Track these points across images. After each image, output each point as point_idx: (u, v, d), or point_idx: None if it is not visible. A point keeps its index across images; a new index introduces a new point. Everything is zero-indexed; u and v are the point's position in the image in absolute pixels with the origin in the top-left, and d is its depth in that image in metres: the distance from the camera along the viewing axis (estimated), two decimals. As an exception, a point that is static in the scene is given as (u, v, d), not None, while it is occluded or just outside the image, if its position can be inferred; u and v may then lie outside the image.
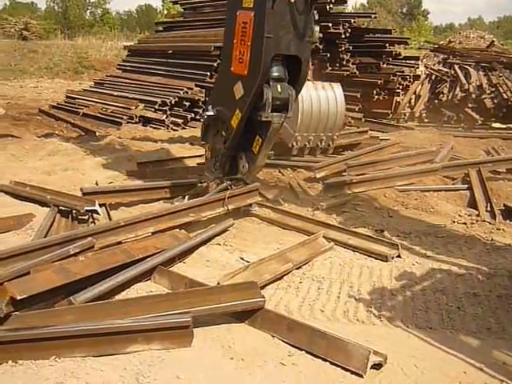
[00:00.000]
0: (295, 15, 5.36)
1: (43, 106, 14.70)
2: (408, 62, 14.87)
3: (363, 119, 12.96)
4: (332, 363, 3.31)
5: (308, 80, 9.78)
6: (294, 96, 5.60)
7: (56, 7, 49.21)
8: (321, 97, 8.95)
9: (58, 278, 3.79)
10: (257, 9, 5.29)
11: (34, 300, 3.60)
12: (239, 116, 5.60)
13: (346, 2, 14.43)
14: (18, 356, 3.18)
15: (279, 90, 5.51)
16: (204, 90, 12.43)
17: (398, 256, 5.03)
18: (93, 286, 3.84)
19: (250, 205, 6.08)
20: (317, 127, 8.96)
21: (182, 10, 16.25)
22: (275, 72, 5.51)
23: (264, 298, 3.80)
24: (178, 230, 5.11)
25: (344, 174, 7.73)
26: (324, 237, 5.26)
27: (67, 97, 15.36)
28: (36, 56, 24.39)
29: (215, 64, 12.49)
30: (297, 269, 4.66)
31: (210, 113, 6.01)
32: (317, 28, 5.72)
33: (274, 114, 5.51)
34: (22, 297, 3.43)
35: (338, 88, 9.30)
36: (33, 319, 3.45)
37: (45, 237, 5.01)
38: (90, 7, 48.82)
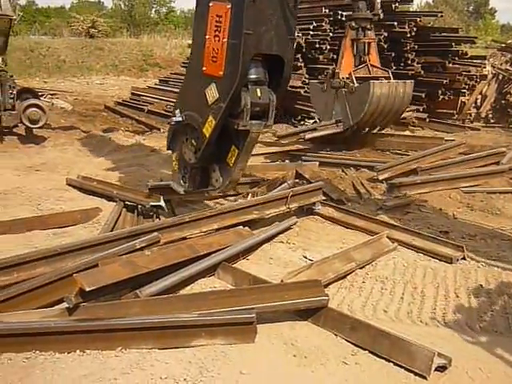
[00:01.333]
0: (278, 9, 4.69)
1: (109, 102, 15.09)
2: (474, 61, 14.51)
3: (427, 119, 12.74)
4: (395, 364, 3.29)
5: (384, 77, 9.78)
6: (274, 101, 4.87)
7: (122, 5, 50.34)
8: (390, 95, 8.92)
9: (125, 271, 3.90)
10: (234, 1, 4.56)
11: (102, 292, 3.72)
12: (213, 124, 4.81)
13: (411, 1, 14.23)
14: (85, 346, 3.31)
15: (259, 94, 4.79)
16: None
17: (463, 258, 4.95)
18: (158, 280, 3.94)
19: (314, 203, 6.08)
20: (375, 120, 8.93)
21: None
22: (254, 74, 4.77)
23: (328, 296, 3.83)
24: (241, 227, 5.18)
25: (411, 175, 7.63)
26: (388, 237, 5.22)
27: (132, 94, 15.76)
28: (102, 53, 25.01)
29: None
30: (360, 268, 4.65)
31: (178, 118, 5.17)
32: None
33: (253, 122, 4.79)
34: (90, 288, 3.54)
35: (409, 87, 9.23)
36: (100, 310, 3.57)
37: (111, 231, 5.18)
38: (155, 5, 49.70)
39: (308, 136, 9.31)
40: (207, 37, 4.77)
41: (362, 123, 9.61)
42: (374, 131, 10.21)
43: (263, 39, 4.66)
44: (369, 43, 10.13)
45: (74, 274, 3.70)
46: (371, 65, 10.08)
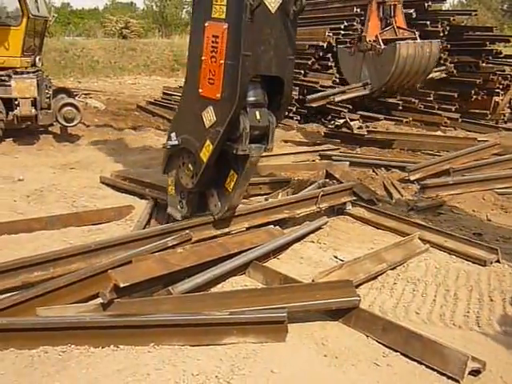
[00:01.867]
0: (277, 28, 4.47)
1: (141, 101, 15.27)
2: (508, 60, 14.26)
3: (460, 119, 12.59)
4: (427, 366, 3.28)
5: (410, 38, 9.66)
6: (275, 123, 4.68)
7: (154, 6, 50.70)
8: (416, 56, 8.87)
9: (158, 268, 3.97)
10: (231, 20, 4.35)
11: (135, 288, 3.79)
12: (210, 148, 4.59)
13: (445, 0, 14.06)
14: (119, 341, 3.37)
15: (258, 117, 4.58)
16: (298, 89, 12.50)
17: (497, 261, 4.88)
18: (190, 277, 4.00)
19: (345, 203, 6.07)
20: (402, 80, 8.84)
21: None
22: (252, 96, 4.54)
23: (359, 296, 3.82)
24: (272, 226, 5.20)
25: (443, 176, 7.54)
26: (419, 238, 5.18)
27: (164, 93, 15.89)
28: (134, 54, 25.28)
29: (309, 62, 12.55)
30: (391, 269, 4.63)
31: (174, 142, 4.93)
32: None
33: (253, 146, 4.58)
34: (124, 285, 3.62)
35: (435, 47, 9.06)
36: (133, 306, 3.64)
37: (143, 228, 5.28)
38: (186, 6, 49.91)
39: (337, 99, 9.25)
40: (203, 58, 4.57)
41: (389, 84, 9.52)
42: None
43: (262, 60, 4.46)
44: (394, 5, 10.09)
45: (109, 271, 3.77)
46: (397, 27, 10.02)
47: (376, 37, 9.65)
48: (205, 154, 4.64)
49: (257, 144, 4.62)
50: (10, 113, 9.28)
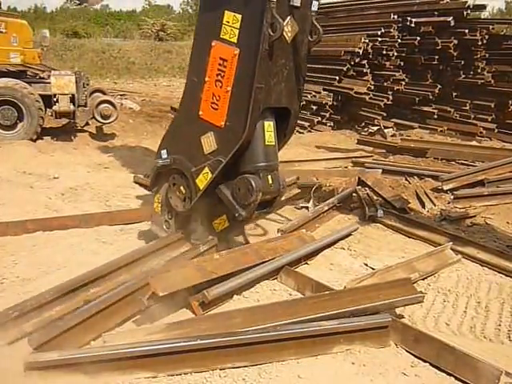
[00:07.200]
0: (291, 59, 4.23)
1: (175, 103, 15.31)
2: (549, 71, 13.97)
3: (496, 130, 12.41)
4: (456, 378, 3.23)
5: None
6: (285, 187, 4.50)
7: (189, 10, 51.11)
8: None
9: (195, 276, 3.95)
10: (244, 47, 3.99)
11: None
12: (209, 177, 4.26)
13: (484, 8, 13.87)
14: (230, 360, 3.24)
15: (270, 182, 4.29)
16: (332, 95, 12.49)
17: (531, 275, 4.80)
18: (223, 281, 4.00)
19: (376, 211, 6.04)
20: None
21: (314, 14, 16.34)
22: (265, 161, 4.29)
23: (422, 293, 3.89)
24: (304, 231, 5.21)
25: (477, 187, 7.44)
26: (451, 249, 5.12)
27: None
28: (170, 56, 25.54)
29: (344, 68, 12.52)
30: (422, 279, 4.58)
31: (165, 161, 4.57)
32: None
33: (256, 212, 4.39)
34: (163, 293, 3.62)
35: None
36: (202, 323, 3.54)
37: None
38: (222, 10, 50.25)
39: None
40: (207, 79, 4.22)
41: None
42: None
43: (273, 92, 4.21)
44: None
45: (148, 278, 3.79)
46: None
47: None
48: (202, 181, 4.34)
49: (261, 210, 4.43)
50: (49, 110, 9.50)
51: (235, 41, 4.03)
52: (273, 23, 3.87)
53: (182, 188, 4.54)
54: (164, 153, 4.62)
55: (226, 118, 4.13)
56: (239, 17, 4.00)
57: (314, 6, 4.28)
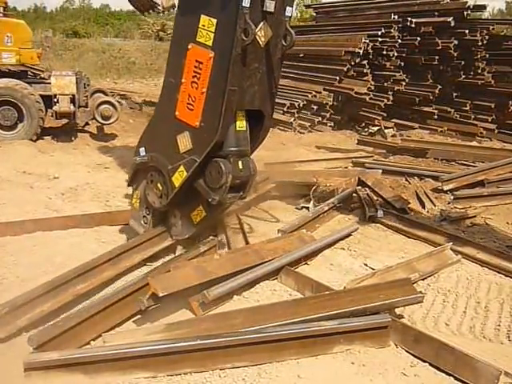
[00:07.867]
0: (264, 63, 4.33)
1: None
2: (550, 71, 13.97)
3: (496, 130, 12.41)
4: (456, 378, 3.23)
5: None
6: (256, 173, 4.54)
7: (190, 10, 51.18)
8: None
9: (196, 276, 3.97)
10: (218, 50, 4.12)
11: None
12: (184, 175, 4.40)
13: (484, 8, 13.87)
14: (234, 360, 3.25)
15: (240, 167, 4.42)
16: (332, 95, 12.49)
17: (531, 275, 4.80)
18: (224, 281, 4.00)
19: (376, 211, 6.04)
20: None
21: (315, 14, 16.41)
22: (236, 146, 4.39)
23: (421, 293, 3.89)
24: (304, 231, 5.21)
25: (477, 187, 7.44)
26: (451, 249, 5.12)
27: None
28: (170, 56, 25.48)
29: (345, 69, 12.53)
30: (422, 279, 4.59)
31: (143, 159, 4.73)
32: None
33: (229, 195, 4.44)
34: (163, 294, 3.63)
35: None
36: (202, 323, 3.55)
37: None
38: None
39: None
40: (183, 80, 4.36)
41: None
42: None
43: (247, 95, 4.33)
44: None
45: (148, 278, 3.81)
46: None
47: None
48: (177, 179, 4.47)
49: (233, 193, 4.49)
50: (49, 110, 9.51)
51: (210, 44, 4.16)
52: (246, 28, 3.98)
53: (158, 185, 4.67)
54: (142, 150, 4.79)
55: (201, 119, 4.27)
56: (214, 21, 4.14)
57: (288, 12, 4.36)
